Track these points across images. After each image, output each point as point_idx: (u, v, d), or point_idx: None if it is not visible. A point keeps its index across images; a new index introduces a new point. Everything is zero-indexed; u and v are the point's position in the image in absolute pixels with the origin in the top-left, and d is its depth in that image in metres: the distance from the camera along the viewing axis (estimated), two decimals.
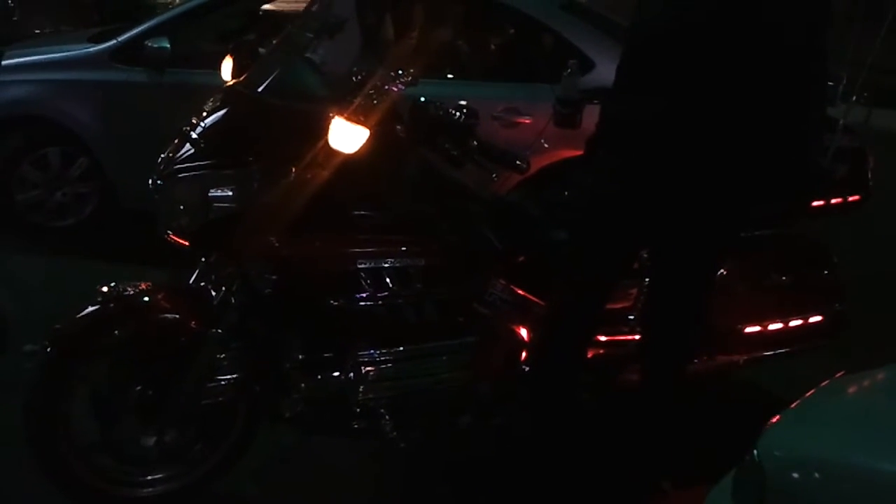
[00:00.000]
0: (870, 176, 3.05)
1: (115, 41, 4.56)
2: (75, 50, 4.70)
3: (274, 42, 2.77)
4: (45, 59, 4.70)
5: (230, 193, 2.34)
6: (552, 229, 2.69)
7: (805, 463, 1.73)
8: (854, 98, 2.83)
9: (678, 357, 2.57)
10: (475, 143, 2.36)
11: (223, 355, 2.42)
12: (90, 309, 2.37)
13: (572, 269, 2.54)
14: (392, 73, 2.29)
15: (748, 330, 2.87)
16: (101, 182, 4.63)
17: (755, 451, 1.79)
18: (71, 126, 4.52)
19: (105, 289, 2.41)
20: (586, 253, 2.50)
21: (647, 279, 2.67)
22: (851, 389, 2.05)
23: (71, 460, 2.42)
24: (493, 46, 4.68)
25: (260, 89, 2.50)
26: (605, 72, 3.13)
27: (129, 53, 4.47)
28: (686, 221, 2.35)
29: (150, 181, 2.46)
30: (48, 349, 2.34)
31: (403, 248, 2.48)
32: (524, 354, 2.70)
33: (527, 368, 2.68)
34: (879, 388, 2.03)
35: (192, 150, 2.42)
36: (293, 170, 2.31)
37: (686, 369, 2.63)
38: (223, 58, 2.82)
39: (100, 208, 4.68)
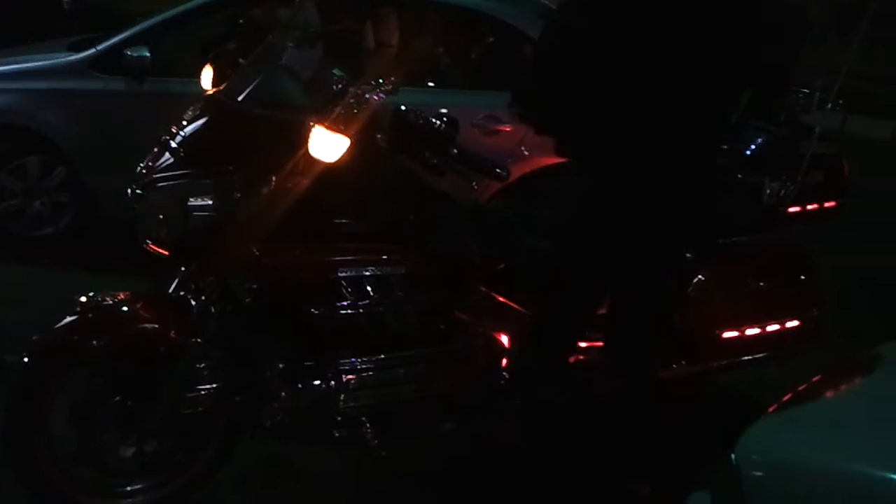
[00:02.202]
0: (846, 182, 3.09)
1: (94, 50, 4.54)
2: (54, 59, 4.68)
3: (254, 51, 2.77)
4: (23, 67, 4.67)
5: (210, 202, 2.33)
6: (532, 237, 2.71)
7: (783, 467, 1.75)
8: (829, 105, 2.86)
9: (643, 360, 2.57)
10: (455, 151, 2.37)
11: (203, 365, 2.41)
12: (69, 319, 2.36)
13: (558, 281, 2.54)
14: (372, 82, 2.30)
15: (726, 335, 2.89)
16: (79, 191, 4.60)
17: (733, 456, 1.80)
18: (50, 135, 4.50)
19: (84, 299, 2.40)
20: (574, 267, 2.50)
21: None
22: (828, 393, 2.07)
23: (51, 472, 2.40)
24: (472, 55, 4.70)
25: (240, 98, 2.49)
26: None
27: (109, 62, 4.46)
28: (644, 231, 2.37)
29: (129, 190, 2.45)
30: (27, 360, 2.33)
31: (384, 257, 2.48)
32: (506, 361, 2.70)
33: (511, 375, 2.69)
34: (856, 391, 2.06)
35: (172, 159, 2.41)
36: (273, 179, 2.31)
37: (656, 371, 2.64)
38: (203, 67, 2.81)
39: (78, 218, 4.66)
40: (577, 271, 2.50)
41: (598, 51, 2.22)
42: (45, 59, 4.71)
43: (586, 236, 2.45)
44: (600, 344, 2.68)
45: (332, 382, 2.45)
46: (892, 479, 1.61)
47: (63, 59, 4.62)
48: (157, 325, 2.41)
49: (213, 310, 2.39)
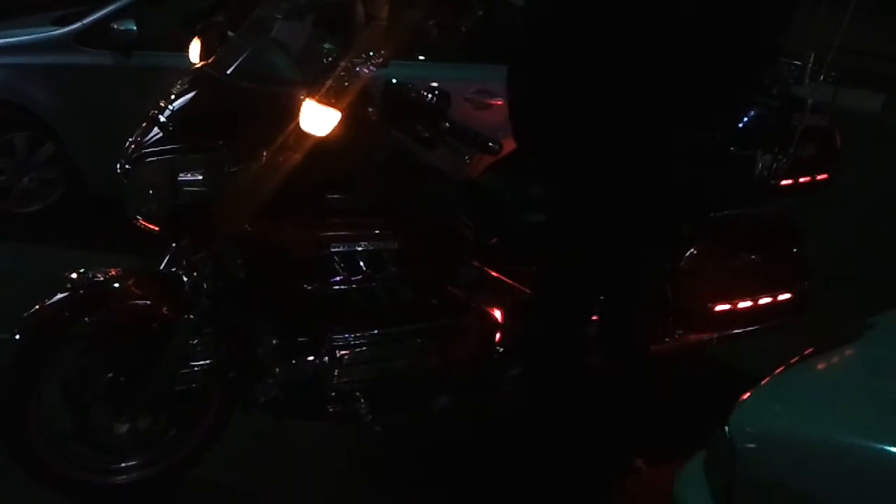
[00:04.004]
0: (838, 155, 3.09)
1: (80, 24, 4.49)
2: (40, 33, 4.61)
3: (243, 24, 2.74)
4: (8, 42, 4.61)
5: (200, 177, 2.31)
6: (525, 211, 2.70)
7: (775, 439, 1.76)
8: (822, 78, 2.85)
9: (636, 335, 2.57)
10: (447, 125, 2.35)
11: (195, 341, 2.41)
12: (60, 296, 2.34)
13: (570, 264, 2.48)
14: (363, 55, 2.27)
15: (718, 308, 2.91)
16: (67, 167, 4.56)
17: (726, 428, 1.81)
18: (36, 111, 4.45)
19: (74, 275, 2.38)
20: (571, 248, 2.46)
21: None
22: (820, 366, 2.08)
23: (44, 449, 2.39)
24: (464, 28, 4.66)
25: (229, 72, 2.46)
26: None
27: (95, 36, 4.41)
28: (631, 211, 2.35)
29: (117, 166, 2.43)
30: (18, 337, 2.31)
31: (376, 232, 2.47)
32: (499, 336, 2.71)
33: (504, 350, 2.68)
34: (847, 363, 2.07)
35: (161, 134, 2.38)
36: (264, 153, 2.28)
37: (648, 346, 2.64)
38: (191, 40, 2.78)
39: (67, 194, 4.62)
40: (573, 252, 2.46)
41: (587, 32, 2.17)
42: (30, 34, 4.64)
43: (581, 215, 2.41)
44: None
45: (326, 358, 2.45)
46: (884, 450, 1.62)
47: (48, 34, 4.56)
48: (148, 302, 2.39)
49: (205, 286, 2.37)
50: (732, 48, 2.23)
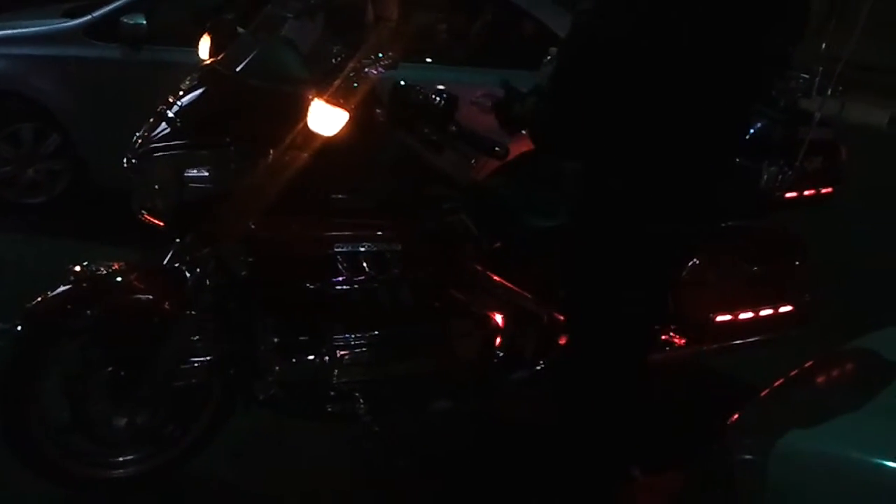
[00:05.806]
0: (843, 168, 3.09)
1: (90, 17, 4.50)
2: (49, 25, 4.63)
3: (253, 21, 2.75)
4: (18, 33, 4.62)
5: (206, 174, 2.32)
6: (529, 215, 2.70)
7: (774, 451, 1.76)
8: (829, 92, 2.85)
9: (632, 344, 2.53)
10: (454, 128, 2.36)
11: (197, 337, 2.41)
12: (62, 288, 2.35)
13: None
14: (372, 56, 2.28)
15: (720, 319, 2.90)
16: (73, 159, 4.57)
17: (725, 439, 1.81)
18: (44, 102, 4.46)
19: (77, 268, 2.38)
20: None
21: None
22: (820, 378, 2.08)
23: (42, 441, 2.40)
24: (472, 31, 4.68)
25: (238, 69, 2.47)
26: None
27: (105, 29, 4.42)
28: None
29: (124, 160, 2.43)
30: (19, 328, 2.32)
31: (380, 233, 2.47)
32: (499, 340, 2.71)
33: (505, 354, 2.68)
34: (848, 377, 2.07)
35: (168, 130, 2.39)
36: (271, 152, 2.29)
37: (646, 356, 2.62)
38: (200, 36, 2.78)
39: (72, 186, 4.63)
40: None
41: (638, 62, 2.05)
42: (40, 26, 4.66)
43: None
44: None
45: (326, 358, 2.45)
46: (883, 465, 1.62)
47: (58, 26, 4.58)
48: (151, 297, 2.40)
49: (207, 282, 2.38)
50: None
